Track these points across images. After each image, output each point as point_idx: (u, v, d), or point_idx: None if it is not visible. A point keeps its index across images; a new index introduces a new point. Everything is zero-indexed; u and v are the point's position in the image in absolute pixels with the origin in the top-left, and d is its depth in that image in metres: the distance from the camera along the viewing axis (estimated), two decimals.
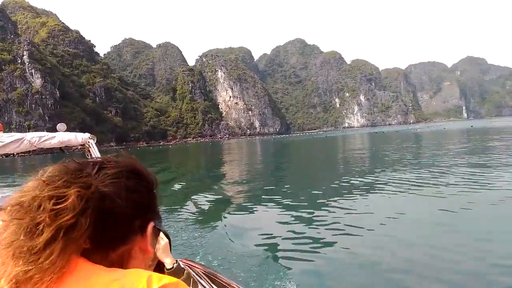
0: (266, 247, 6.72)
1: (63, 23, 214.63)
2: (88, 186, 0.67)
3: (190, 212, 10.31)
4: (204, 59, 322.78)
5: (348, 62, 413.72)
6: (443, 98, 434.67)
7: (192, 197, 12.89)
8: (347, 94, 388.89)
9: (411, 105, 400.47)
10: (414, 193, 10.85)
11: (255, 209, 10.61)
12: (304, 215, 9.09)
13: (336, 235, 7.25)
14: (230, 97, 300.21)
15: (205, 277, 2.29)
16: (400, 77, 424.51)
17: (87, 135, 4.24)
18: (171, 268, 1.68)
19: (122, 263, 0.70)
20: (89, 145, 4.17)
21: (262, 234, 7.62)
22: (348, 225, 7.82)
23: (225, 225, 8.56)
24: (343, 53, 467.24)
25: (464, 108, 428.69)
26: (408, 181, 13.17)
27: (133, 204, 0.71)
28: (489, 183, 11.44)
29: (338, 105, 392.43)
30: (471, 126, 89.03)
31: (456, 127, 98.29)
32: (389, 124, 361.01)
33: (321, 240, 6.98)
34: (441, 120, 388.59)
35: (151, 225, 0.74)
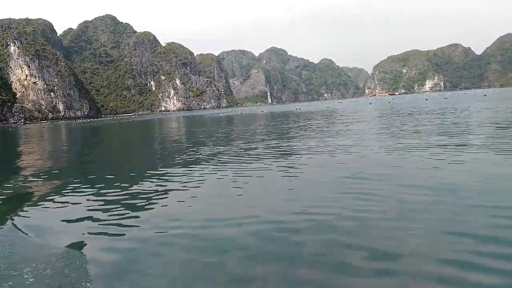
0: (69, 245, 6.63)
1: None
2: None
3: None
4: None
5: (163, 45, 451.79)
6: (252, 84, 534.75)
7: None
8: (163, 77, 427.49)
9: (223, 90, 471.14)
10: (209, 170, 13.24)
11: (59, 202, 10.15)
12: (114, 203, 9.37)
13: (146, 223, 7.64)
14: (27, 76, 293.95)
15: None
16: (214, 63, 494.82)
17: None
18: None
19: None
20: None
21: (67, 230, 7.61)
22: (159, 212, 8.42)
23: (18, 226, 7.97)
24: (157, 35, 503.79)
25: (268, 94, 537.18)
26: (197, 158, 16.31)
27: None
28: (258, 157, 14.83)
29: (154, 88, 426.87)
30: (262, 111, 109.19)
31: (251, 112, 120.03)
32: (204, 108, 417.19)
33: (131, 229, 7.34)
34: (250, 104, 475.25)
35: None
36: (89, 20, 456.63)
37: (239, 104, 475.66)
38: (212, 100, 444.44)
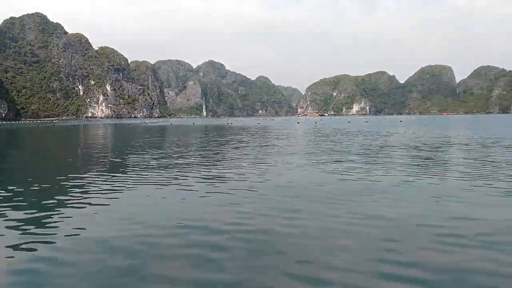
0: None
1: None
2: None
3: None
4: None
5: (96, 48, 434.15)
6: (187, 96, 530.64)
7: None
8: (93, 82, 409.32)
9: (157, 100, 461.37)
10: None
11: None
12: (15, 213, 8.85)
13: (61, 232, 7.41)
14: None
15: None
16: (149, 71, 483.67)
17: None
18: None
19: None
20: None
21: None
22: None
23: None
24: (90, 38, 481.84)
25: (204, 106, 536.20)
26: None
27: None
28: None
29: (82, 93, 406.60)
30: (193, 124, 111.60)
31: (182, 123, 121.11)
32: (135, 117, 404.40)
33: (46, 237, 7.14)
34: (185, 116, 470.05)
35: None
36: (16, 16, 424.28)
37: (172, 115, 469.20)
38: (144, 109, 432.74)
